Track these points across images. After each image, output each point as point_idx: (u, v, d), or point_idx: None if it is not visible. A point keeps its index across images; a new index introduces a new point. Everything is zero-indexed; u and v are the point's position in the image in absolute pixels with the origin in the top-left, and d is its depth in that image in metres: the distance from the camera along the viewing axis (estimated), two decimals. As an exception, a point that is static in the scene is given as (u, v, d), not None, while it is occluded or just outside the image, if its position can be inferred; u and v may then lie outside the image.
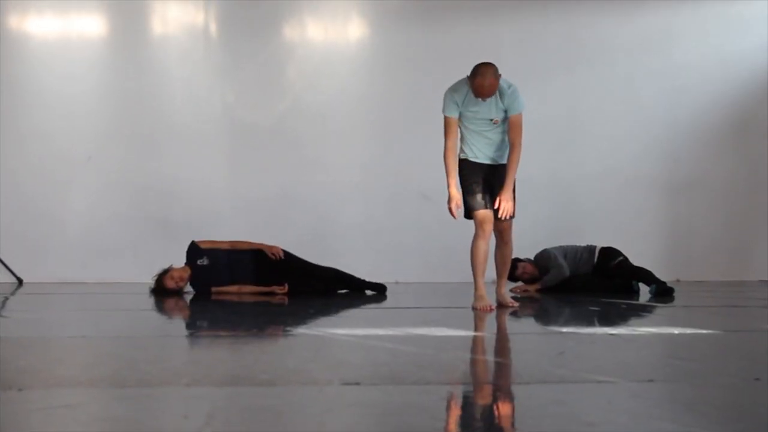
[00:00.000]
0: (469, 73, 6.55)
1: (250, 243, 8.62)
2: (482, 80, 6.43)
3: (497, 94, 6.56)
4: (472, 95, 6.54)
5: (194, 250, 8.55)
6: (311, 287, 8.45)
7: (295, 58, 11.09)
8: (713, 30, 11.38)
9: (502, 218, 6.63)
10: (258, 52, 11.00)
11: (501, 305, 6.75)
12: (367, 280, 8.65)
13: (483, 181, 6.66)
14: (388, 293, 8.46)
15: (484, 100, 6.51)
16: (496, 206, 6.61)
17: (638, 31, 11.31)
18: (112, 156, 10.76)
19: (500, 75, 6.50)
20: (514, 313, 6.43)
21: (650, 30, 11.32)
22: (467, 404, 3.04)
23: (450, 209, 6.67)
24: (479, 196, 6.63)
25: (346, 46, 11.17)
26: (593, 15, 11.30)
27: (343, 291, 8.60)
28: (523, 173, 6.89)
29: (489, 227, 6.64)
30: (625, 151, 11.21)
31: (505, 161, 6.68)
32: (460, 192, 6.68)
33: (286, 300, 7.80)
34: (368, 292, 8.58)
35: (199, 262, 8.47)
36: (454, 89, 6.66)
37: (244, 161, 10.88)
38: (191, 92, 10.89)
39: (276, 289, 8.38)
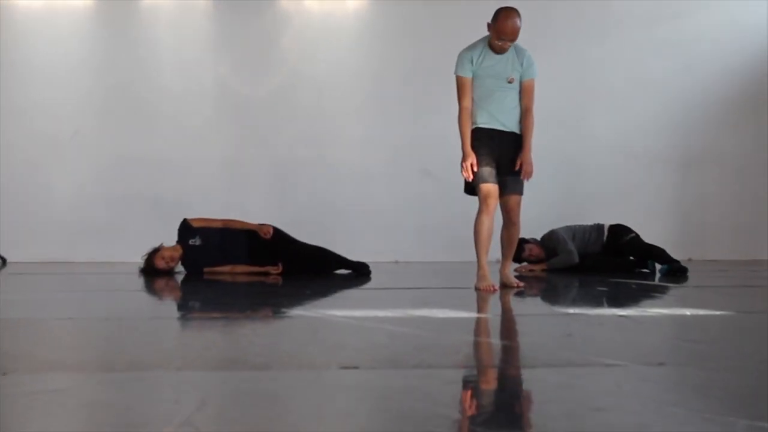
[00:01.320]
0: (488, 27, 6.52)
1: (242, 222, 8.59)
2: (511, 21, 6.45)
3: (515, 53, 6.63)
4: (489, 50, 6.59)
5: (186, 229, 8.53)
6: (305, 267, 8.44)
7: (291, 28, 11.06)
8: (725, 0, 11.34)
9: (525, 180, 6.63)
10: (252, 21, 10.97)
11: (505, 286, 6.74)
12: (353, 259, 8.56)
13: (492, 152, 6.61)
14: (386, 274, 8.44)
15: (502, 50, 6.49)
16: (516, 168, 6.60)
17: (648, 2, 11.27)
18: (99, 131, 10.76)
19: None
20: (519, 294, 6.42)
21: (660, 1, 11.28)
22: (470, 389, 3.04)
23: (464, 168, 6.55)
24: (486, 170, 6.57)
25: (344, 15, 11.13)
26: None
27: (340, 271, 8.59)
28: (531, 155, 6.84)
29: (494, 203, 6.60)
30: (634, 126, 11.20)
31: (515, 129, 6.67)
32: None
33: (280, 280, 7.80)
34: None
35: (191, 242, 8.46)
36: (469, 48, 6.69)
37: (238, 136, 10.88)
38: (182, 64, 10.87)
39: (270, 269, 8.37)
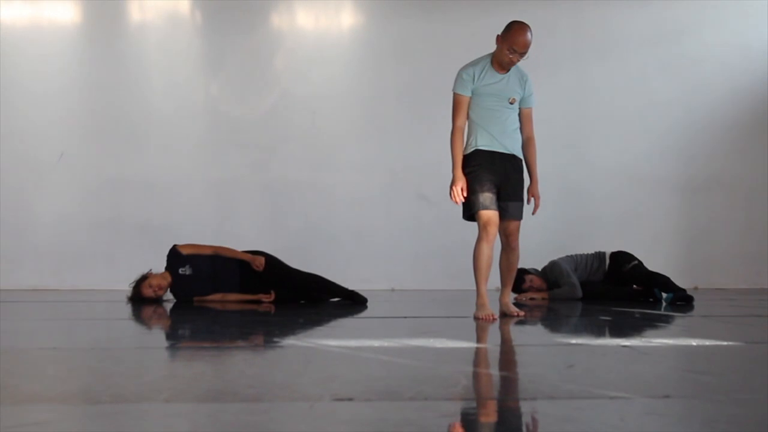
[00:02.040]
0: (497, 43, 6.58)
1: (234, 251, 8.55)
2: (525, 34, 6.51)
3: (518, 74, 6.68)
4: (491, 68, 6.60)
5: (175, 257, 8.50)
6: (299, 295, 8.43)
7: (284, 48, 11.09)
8: (732, 18, 11.39)
9: (534, 214, 6.70)
10: (244, 41, 11.00)
11: (505, 315, 6.73)
12: (352, 289, 8.54)
13: (493, 177, 6.60)
14: (382, 302, 8.43)
15: (508, 65, 6.52)
16: (528, 203, 6.70)
17: (651, 22, 11.33)
18: (85, 153, 10.75)
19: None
20: (520, 324, 6.42)
21: (664, 21, 11.34)
22: (469, 422, 3.03)
23: (453, 193, 6.55)
24: (487, 196, 6.55)
25: (338, 35, 11.16)
26: (603, 6, 11.30)
27: (334, 300, 8.57)
28: (527, 174, 6.87)
29: (494, 230, 6.59)
30: (638, 150, 11.22)
31: (516, 152, 6.69)
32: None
33: (272, 309, 7.79)
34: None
35: (181, 270, 8.43)
36: (470, 64, 6.70)
37: (229, 158, 10.88)
38: (172, 84, 10.89)
39: (262, 297, 8.36)
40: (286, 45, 11.10)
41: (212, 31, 11.01)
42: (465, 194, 6.56)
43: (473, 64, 6.68)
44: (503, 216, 6.65)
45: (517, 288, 8.75)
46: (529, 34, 6.52)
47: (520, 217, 6.72)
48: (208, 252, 8.52)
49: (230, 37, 10.98)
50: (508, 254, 6.82)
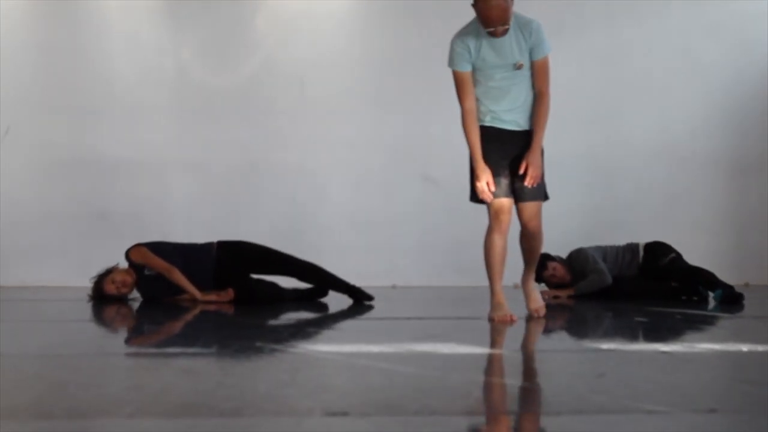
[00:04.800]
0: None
1: (186, 282, 8.41)
2: (490, 4, 6.16)
3: (518, 28, 6.39)
4: (485, 36, 6.36)
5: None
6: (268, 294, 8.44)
7: (268, 6, 11.08)
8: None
9: (529, 185, 6.48)
10: (220, -2, 10.98)
11: (530, 308, 6.69)
12: (353, 284, 8.56)
13: (503, 158, 6.54)
14: (382, 301, 8.44)
15: (498, 34, 6.34)
16: (521, 171, 6.48)
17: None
18: (36, 129, 10.75)
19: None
20: (541, 326, 6.42)
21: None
22: (482, 440, 3.04)
23: (479, 189, 6.43)
24: (499, 180, 6.46)
25: (330, -10, 11.15)
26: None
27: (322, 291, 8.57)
28: (551, 152, 6.73)
29: (507, 219, 6.51)
30: (679, 123, 11.21)
31: (529, 127, 6.52)
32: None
33: (231, 310, 7.78)
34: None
35: (146, 272, 8.44)
36: (462, 33, 6.47)
37: (204, 135, 10.88)
38: (137, 49, 10.88)
39: (215, 296, 8.30)
40: (270, 3, 11.09)
41: (183, -14, 10.99)
42: (493, 188, 6.44)
43: (464, 33, 6.45)
44: (520, 198, 6.54)
45: (538, 276, 8.62)
46: (497, 1, 6.16)
47: (540, 198, 6.58)
48: (159, 268, 8.41)
49: (204, -7, 10.97)
50: (529, 240, 6.69)
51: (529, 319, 6.64)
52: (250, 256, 8.56)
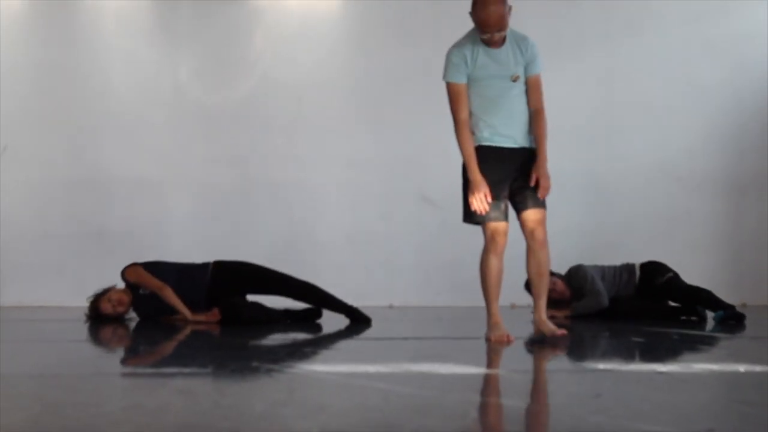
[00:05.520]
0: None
1: (177, 301, 8.40)
2: (492, 7, 6.22)
3: (514, 42, 6.45)
4: (482, 44, 6.40)
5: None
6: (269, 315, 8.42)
7: (265, 25, 11.10)
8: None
9: (542, 197, 6.47)
10: (218, 16, 11.01)
11: (543, 337, 6.46)
12: (350, 304, 8.53)
13: (502, 179, 6.50)
14: (379, 321, 8.44)
15: (494, 41, 6.36)
16: (532, 184, 6.46)
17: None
18: (33, 147, 10.75)
19: (511, 7, 6.39)
20: (539, 346, 6.41)
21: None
22: (479, 460, 3.04)
23: (474, 201, 6.39)
24: (496, 202, 6.43)
25: (328, 9, 11.18)
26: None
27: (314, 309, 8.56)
28: (549, 171, 6.77)
29: (503, 241, 6.48)
30: (677, 142, 11.22)
31: (527, 144, 6.52)
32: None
33: (218, 330, 7.77)
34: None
35: (141, 291, 8.44)
36: (458, 44, 6.51)
37: (201, 153, 10.88)
38: (135, 67, 10.89)
39: (204, 317, 8.28)
40: (268, 21, 11.11)
41: (180, 6, 11.01)
42: (489, 199, 6.40)
43: (461, 44, 6.49)
44: (523, 207, 6.50)
45: None
46: (495, 6, 6.24)
47: (544, 206, 6.54)
48: (152, 287, 8.40)
49: (202, 11, 10.98)
50: (537, 254, 6.58)
51: (544, 342, 6.46)
52: (247, 277, 8.55)
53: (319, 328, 8.05)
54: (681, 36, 11.29)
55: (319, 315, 8.50)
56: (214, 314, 8.30)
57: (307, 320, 8.50)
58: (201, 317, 8.31)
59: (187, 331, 7.69)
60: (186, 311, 8.32)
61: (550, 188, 6.52)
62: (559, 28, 10.78)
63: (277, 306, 8.58)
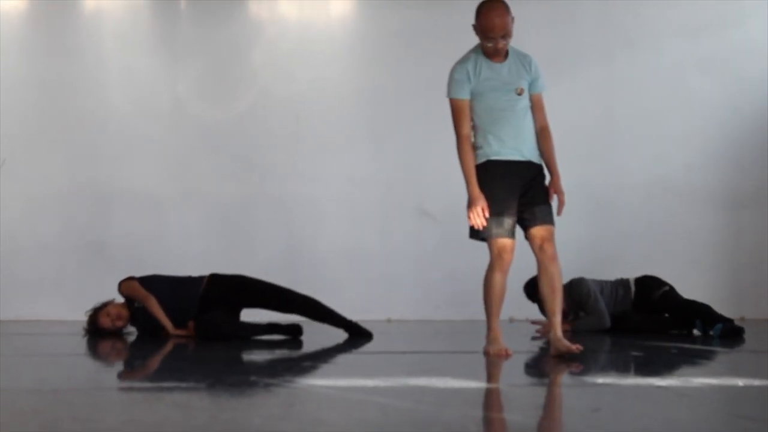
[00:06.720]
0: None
1: (164, 317, 8.38)
2: (496, 12, 6.28)
3: (517, 58, 6.49)
4: (486, 59, 6.43)
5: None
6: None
7: (264, 39, 11.11)
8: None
9: (560, 214, 6.48)
10: (217, 31, 11.02)
11: (560, 355, 6.32)
12: (350, 318, 8.50)
13: (510, 195, 6.43)
14: (378, 335, 8.42)
15: (497, 48, 6.38)
16: (551, 201, 6.47)
17: (689, 10, 11.33)
18: (32, 161, 10.74)
19: (513, 18, 6.40)
20: (537, 361, 6.41)
21: (704, 8, 11.34)
22: (478, 475, 3.03)
23: (473, 215, 6.36)
24: (503, 220, 6.39)
25: (326, 24, 11.19)
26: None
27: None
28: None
29: (509, 258, 6.43)
30: (675, 158, 11.22)
31: (534, 158, 6.51)
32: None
33: (192, 344, 7.75)
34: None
35: (136, 304, 8.43)
36: (461, 61, 6.52)
37: (199, 168, 10.88)
38: (133, 82, 10.90)
39: (183, 332, 8.25)
40: (266, 36, 11.12)
41: (179, 21, 11.02)
42: (487, 214, 6.37)
43: (464, 60, 6.50)
44: (532, 223, 6.47)
45: (535, 298, 8.42)
46: (501, 11, 6.29)
47: (552, 222, 6.52)
48: (139, 299, 8.40)
49: (201, 27, 10.99)
50: (547, 269, 6.48)
51: (562, 358, 6.32)
52: (243, 290, 8.52)
53: (317, 342, 8.03)
54: (680, 51, 11.29)
55: (300, 332, 8.29)
56: (189, 329, 8.26)
57: (288, 335, 8.37)
58: (181, 331, 8.28)
59: (185, 345, 7.67)
60: (168, 324, 8.30)
61: (565, 203, 6.54)
62: (558, 44, 10.79)
63: (263, 320, 8.50)
